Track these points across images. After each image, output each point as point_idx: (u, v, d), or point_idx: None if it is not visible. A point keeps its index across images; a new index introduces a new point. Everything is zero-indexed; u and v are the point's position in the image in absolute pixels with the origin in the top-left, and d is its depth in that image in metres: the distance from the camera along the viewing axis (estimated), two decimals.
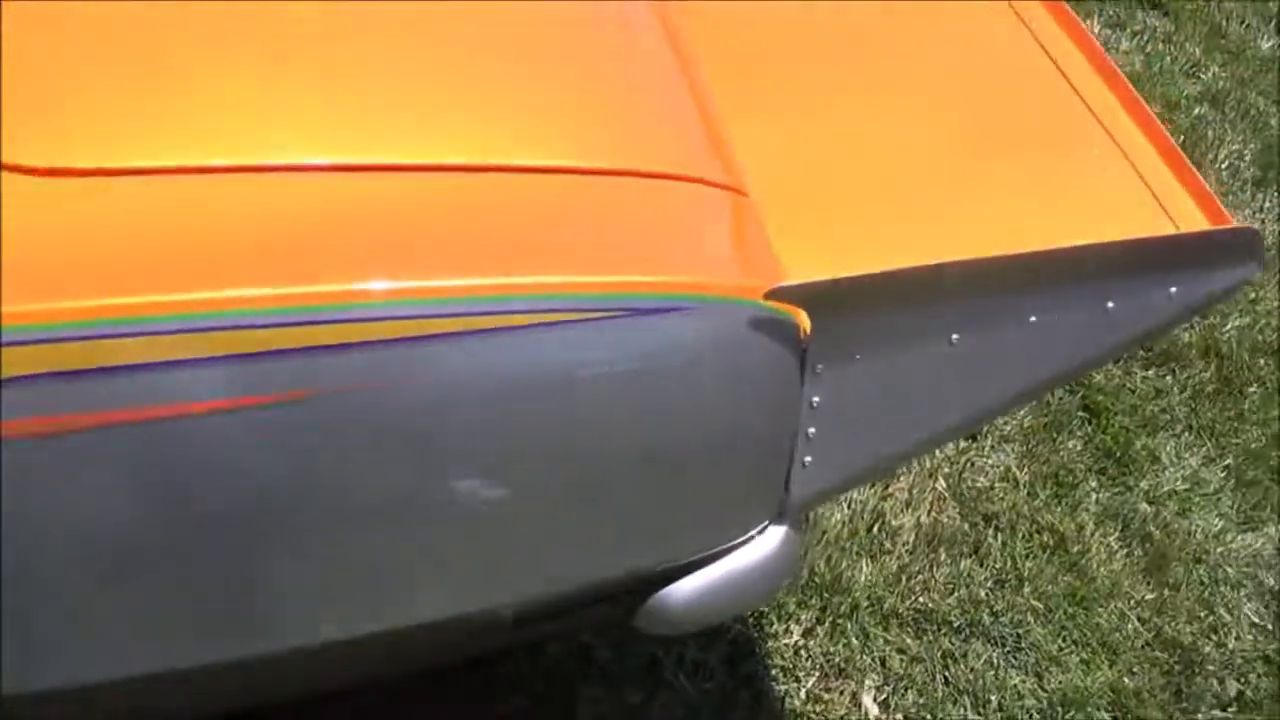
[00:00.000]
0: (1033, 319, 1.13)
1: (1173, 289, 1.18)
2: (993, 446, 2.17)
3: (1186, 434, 2.30)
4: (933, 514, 2.04)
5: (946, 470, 2.11)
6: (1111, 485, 2.18)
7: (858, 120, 1.33)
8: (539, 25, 1.13)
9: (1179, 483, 2.20)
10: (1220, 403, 2.36)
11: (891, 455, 1.18)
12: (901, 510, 2.03)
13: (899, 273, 1.04)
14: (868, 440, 1.14)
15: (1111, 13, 3.21)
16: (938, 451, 2.13)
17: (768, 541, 1.12)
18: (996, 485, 2.12)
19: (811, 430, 1.09)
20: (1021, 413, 2.23)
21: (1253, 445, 2.30)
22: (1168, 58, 3.11)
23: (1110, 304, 1.16)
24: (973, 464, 2.14)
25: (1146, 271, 1.17)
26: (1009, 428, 2.20)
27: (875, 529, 1.99)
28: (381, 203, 0.91)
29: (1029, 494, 2.12)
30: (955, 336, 1.11)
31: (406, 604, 1.00)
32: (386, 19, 1.02)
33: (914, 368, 1.11)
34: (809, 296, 1.00)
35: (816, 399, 1.08)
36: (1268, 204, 2.79)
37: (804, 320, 1.03)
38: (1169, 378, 2.38)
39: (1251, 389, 2.40)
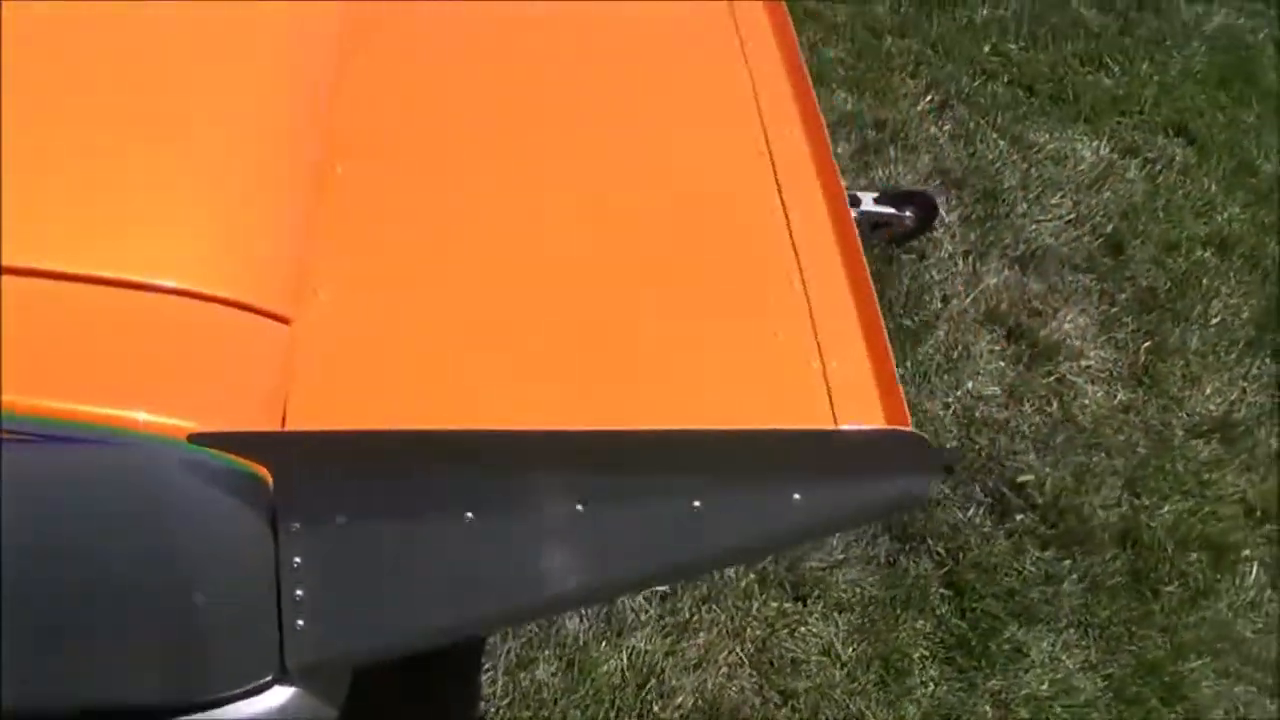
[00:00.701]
0: (580, 509, 1.04)
1: (795, 495, 1.07)
2: (822, 614, 2.03)
3: (1070, 631, 2.09)
4: (722, 679, 1.91)
5: (756, 632, 1.98)
6: (956, 678, 2.00)
7: (494, 208, 1.27)
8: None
9: (1042, 687, 2.01)
10: (1124, 600, 2.15)
11: (411, 631, 1.10)
12: (686, 670, 1.91)
13: (379, 435, 0.98)
14: (373, 611, 1.07)
15: (1127, 136, 3.03)
16: (753, 608, 2.00)
17: (268, 700, 1.11)
18: (813, 659, 1.97)
19: (299, 593, 1.04)
20: (867, 580, 2.07)
21: (1150, 655, 2.08)
22: (1180, 192, 2.90)
23: (697, 503, 1.06)
24: (792, 630, 2.00)
25: (757, 471, 1.06)
26: (847, 594, 2.05)
27: (648, 686, 1.88)
28: None
29: (849, 675, 1.96)
30: (469, 516, 1.03)
31: None
32: None
33: (422, 541, 1.04)
34: (249, 446, 0.95)
35: (298, 559, 1.03)
36: (1255, 370, 2.54)
37: (261, 471, 0.98)
38: (1068, 562, 2.18)
39: (1169, 588, 2.17)
